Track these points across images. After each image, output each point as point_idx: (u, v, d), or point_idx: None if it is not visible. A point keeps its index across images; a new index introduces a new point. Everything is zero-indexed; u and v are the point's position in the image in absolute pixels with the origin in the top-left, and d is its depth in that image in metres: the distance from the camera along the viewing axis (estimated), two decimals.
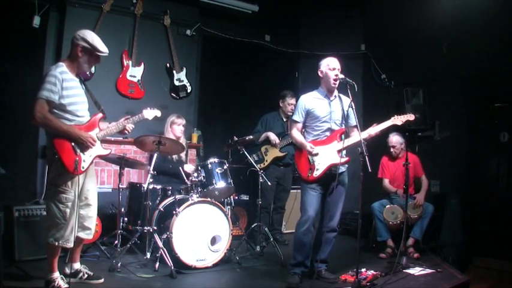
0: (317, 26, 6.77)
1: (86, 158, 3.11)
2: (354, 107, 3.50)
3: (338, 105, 3.69)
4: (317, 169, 3.56)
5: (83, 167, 3.08)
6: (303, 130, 3.81)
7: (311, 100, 3.71)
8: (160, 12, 5.39)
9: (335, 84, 3.62)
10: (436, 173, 5.62)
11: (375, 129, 3.59)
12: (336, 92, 3.72)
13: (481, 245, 5.12)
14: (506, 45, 5.08)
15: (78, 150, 3.07)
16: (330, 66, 3.62)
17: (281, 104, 5.13)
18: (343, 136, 3.58)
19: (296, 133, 3.75)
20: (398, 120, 3.68)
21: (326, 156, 3.57)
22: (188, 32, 5.62)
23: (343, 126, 3.66)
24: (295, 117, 3.77)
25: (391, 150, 4.88)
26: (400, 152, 4.85)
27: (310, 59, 6.57)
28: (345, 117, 3.66)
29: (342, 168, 3.65)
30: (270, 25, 6.59)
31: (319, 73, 3.71)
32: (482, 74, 5.33)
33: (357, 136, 3.48)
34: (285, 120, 5.15)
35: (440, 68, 5.79)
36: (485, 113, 5.47)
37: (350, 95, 3.53)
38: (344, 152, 3.58)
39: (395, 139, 4.85)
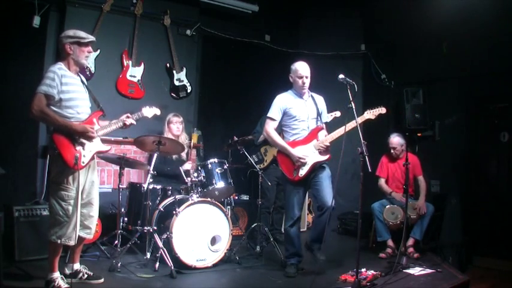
0: (317, 26, 6.76)
1: (86, 154, 3.12)
2: (354, 107, 3.52)
3: (312, 104, 3.87)
4: (302, 169, 3.73)
5: (83, 162, 3.10)
6: (282, 130, 3.94)
7: (288, 99, 3.86)
8: (160, 12, 5.39)
9: (303, 89, 3.81)
10: (436, 173, 5.62)
11: (349, 125, 3.64)
12: (308, 93, 3.89)
13: (481, 245, 5.11)
14: (506, 46, 5.07)
15: (78, 146, 3.08)
16: (298, 73, 3.77)
17: None
18: (320, 134, 3.79)
19: (275, 135, 3.84)
20: (371, 114, 3.84)
21: (309, 156, 3.72)
22: (188, 32, 5.61)
23: (319, 124, 3.86)
24: (272, 115, 3.84)
25: (392, 151, 4.88)
26: (401, 153, 4.84)
27: (310, 59, 6.54)
28: (320, 115, 3.86)
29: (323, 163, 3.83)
30: (270, 25, 6.59)
31: (290, 78, 3.87)
32: (482, 74, 5.33)
33: (335, 132, 3.69)
34: None
35: (440, 68, 5.79)
36: (485, 113, 5.46)
37: (350, 95, 3.56)
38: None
39: (396, 140, 4.85)
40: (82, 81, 3.26)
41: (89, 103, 3.29)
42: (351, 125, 3.63)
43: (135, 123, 3.42)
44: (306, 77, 3.77)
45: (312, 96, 3.91)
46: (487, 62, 5.26)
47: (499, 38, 5.13)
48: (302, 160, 3.68)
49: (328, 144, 3.72)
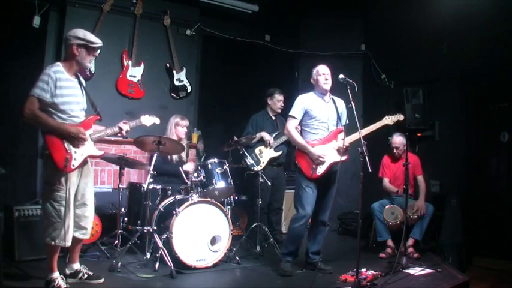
0: (317, 26, 6.76)
1: (77, 157, 3.10)
2: (354, 107, 3.53)
3: (333, 107, 3.93)
4: (320, 167, 3.76)
5: (73, 165, 3.07)
6: (301, 129, 3.95)
7: (310, 99, 3.91)
8: (160, 12, 5.40)
9: (326, 85, 3.85)
10: (436, 173, 5.62)
11: (368, 129, 3.79)
12: (329, 95, 3.94)
13: (481, 245, 5.11)
14: (506, 46, 5.07)
15: (69, 148, 3.07)
16: (320, 72, 3.88)
17: (269, 102, 5.09)
18: (339, 136, 3.81)
19: (295, 133, 3.87)
20: (389, 120, 3.97)
21: (327, 155, 3.76)
22: (188, 32, 5.62)
23: (339, 126, 3.90)
24: (294, 114, 3.89)
25: (395, 151, 4.88)
26: (403, 153, 4.84)
27: (310, 59, 6.57)
28: (340, 118, 3.93)
29: (337, 167, 3.87)
30: (270, 25, 6.59)
31: (312, 81, 3.95)
32: (482, 74, 5.34)
33: (354, 135, 3.71)
34: (273, 118, 5.12)
35: (441, 67, 5.79)
36: (485, 113, 5.46)
37: (350, 95, 3.59)
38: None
39: (399, 140, 4.85)
40: (80, 83, 3.22)
41: (85, 105, 3.25)
42: (368, 129, 3.74)
43: (129, 129, 3.40)
44: (328, 74, 3.86)
45: (332, 99, 3.96)
46: (487, 62, 5.26)
47: (499, 38, 5.13)
48: (321, 159, 3.72)
49: (348, 145, 3.76)
